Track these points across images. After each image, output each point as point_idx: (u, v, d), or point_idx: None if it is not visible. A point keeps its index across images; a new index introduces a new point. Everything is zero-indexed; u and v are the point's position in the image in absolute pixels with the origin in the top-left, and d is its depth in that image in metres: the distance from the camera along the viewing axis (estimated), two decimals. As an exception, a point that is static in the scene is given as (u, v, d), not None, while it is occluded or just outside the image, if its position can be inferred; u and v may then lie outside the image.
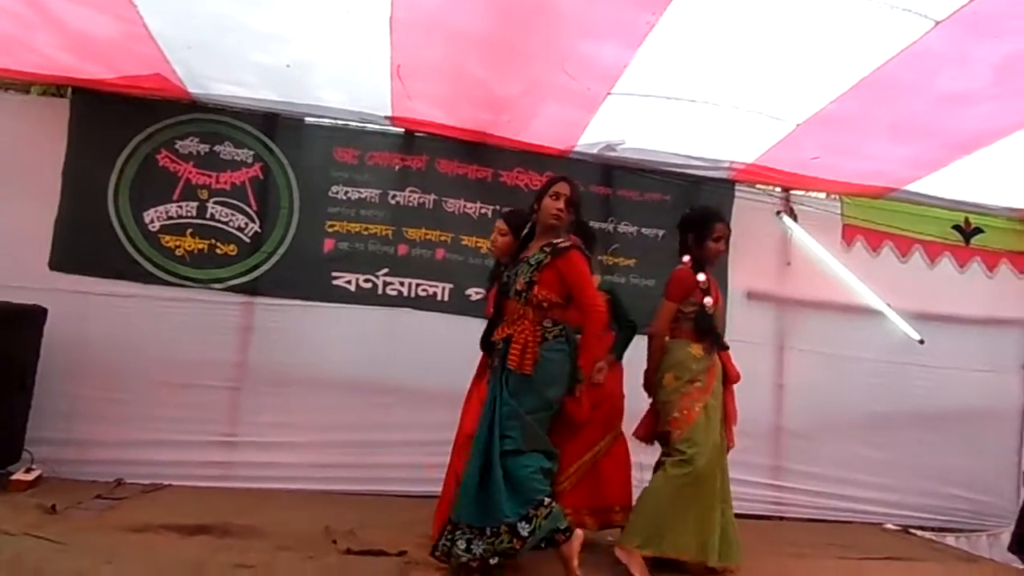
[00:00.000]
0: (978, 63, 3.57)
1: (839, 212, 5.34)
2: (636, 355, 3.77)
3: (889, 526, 4.97)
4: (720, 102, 4.12)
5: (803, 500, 5.08)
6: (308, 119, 4.71)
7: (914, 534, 4.81)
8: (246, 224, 4.62)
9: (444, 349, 4.47)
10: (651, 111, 4.24)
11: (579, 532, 3.02)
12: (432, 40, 3.67)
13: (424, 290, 4.79)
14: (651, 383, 3.60)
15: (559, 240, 3.24)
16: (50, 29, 3.81)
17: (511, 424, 3.07)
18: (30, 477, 3.97)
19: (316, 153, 4.71)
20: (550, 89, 4.01)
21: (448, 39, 3.67)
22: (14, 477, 3.94)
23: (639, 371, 3.69)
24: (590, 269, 3.23)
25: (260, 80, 4.26)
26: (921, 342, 5.20)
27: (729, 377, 3.61)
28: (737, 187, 5.19)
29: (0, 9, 3.67)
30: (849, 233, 5.33)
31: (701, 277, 3.51)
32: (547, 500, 3.01)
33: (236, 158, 4.64)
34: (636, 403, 3.73)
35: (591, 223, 4.15)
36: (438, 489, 3.57)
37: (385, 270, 4.74)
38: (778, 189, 5.31)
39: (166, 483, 4.29)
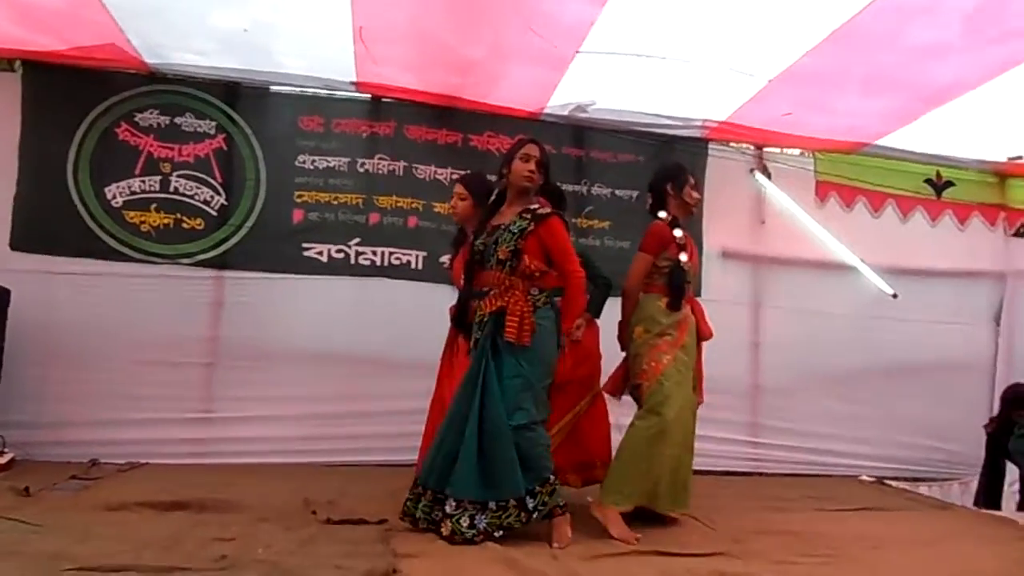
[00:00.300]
0: (947, 12, 3.55)
1: (812, 168, 5.34)
2: (612, 314, 3.73)
3: (864, 478, 5.04)
4: (690, 59, 4.07)
5: (780, 455, 5.14)
6: (271, 87, 4.59)
7: (888, 485, 4.89)
8: (212, 197, 4.53)
9: (420, 317, 4.41)
10: (621, 70, 4.19)
11: (568, 516, 3.11)
12: (393, 0, 3.58)
13: (397, 259, 4.74)
14: (624, 337, 3.58)
15: (536, 206, 3.20)
16: (-7, -1, 3.67)
17: (525, 396, 3.08)
18: (2, 460, 3.92)
19: (281, 122, 4.61)
20: (517, 49, 3.94)
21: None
22: (-14, 461, 3.88)
23: (615, 330, 3.67)
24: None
25: (218, 47, 4.14)
26: (895, 296, 5.24)
27: (701, 334, 3.61)
28: (710, 146, 5.16)
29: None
30: (823, 189, 5.33)
31: (678, 233, 3.48)
32: (552, 477, 3.10)
33: (198, 130, 4.52)
34: (613, 362, 3.72)
35: (563, 185, 4.12)
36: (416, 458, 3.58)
37: (357, 239, 4.68)
38: (751, 147, 5.29)
39: (142, 462, 4.24)
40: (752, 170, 5.24)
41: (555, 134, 4.84)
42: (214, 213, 4.53)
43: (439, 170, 4.80)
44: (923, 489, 4.94)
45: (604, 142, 5.00)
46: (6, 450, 3.98)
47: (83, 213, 4.37)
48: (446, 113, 4.77)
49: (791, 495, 4.40)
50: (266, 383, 4.53)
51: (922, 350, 5.31)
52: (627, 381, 3.56)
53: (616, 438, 3.71)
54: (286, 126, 4.62)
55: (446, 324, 3.74)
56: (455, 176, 4.77)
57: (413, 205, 4.76)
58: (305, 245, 4.63)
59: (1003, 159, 5.28)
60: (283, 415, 4.50)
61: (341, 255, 4.67)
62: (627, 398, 3.62)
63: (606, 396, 3.74)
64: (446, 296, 4.02)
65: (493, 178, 4.32)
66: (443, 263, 4.72)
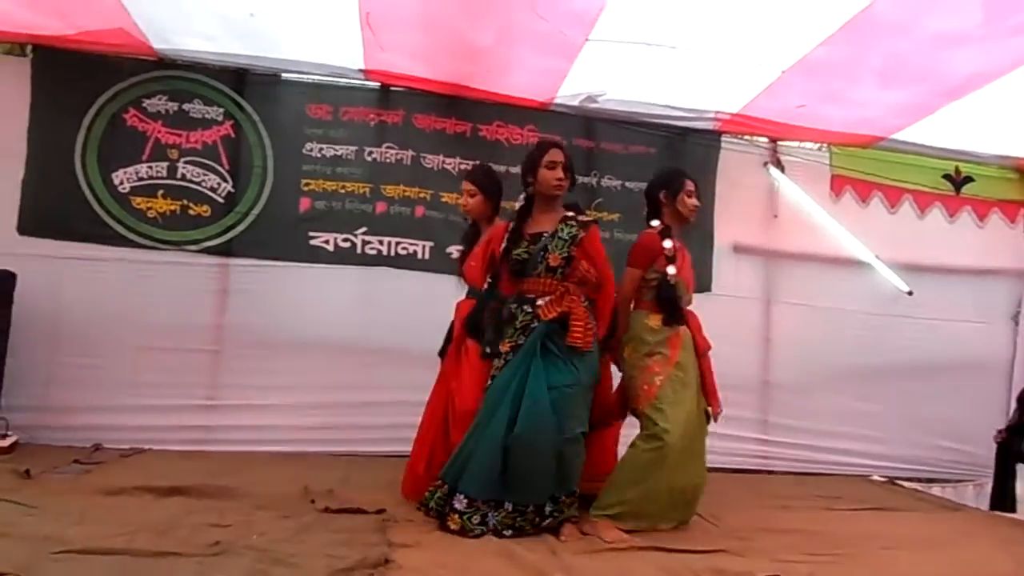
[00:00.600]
0: (967, 0, 3.45)
1: (828, 163, 5.23)
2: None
3: (876, 478, 4.95)
4: (702, 48, 3.99)
5: (790, 453, 5.06)
6: (279, 74, 4.56)
7: (900, 485, 4.79)
8: (219, 184, 4.51)
9: (425, 308, 4.37)
10: (631, 59, 4.12)
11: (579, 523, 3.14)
12: (400, -15, 3.55)
13: (404, 248, 4.70)
14: (618, 356, 3.46)
15: (574, 212, 3.30)
16: (2, -18, 3.68)
17: (581, 405, 3.13)
18: (5, 443, 3.93)
19: (288, 109, 4.58)
20: (525, 36, 3.87)
21: (417, -16, 3.54)
22: (-11, 444, 3.90)
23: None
24: None
25: (226, 33, 4.11)
26: (910, 293, 5.13)
27: (698, 347, 3.45)
28: (723, 138, 5.07)
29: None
30: (838, 184, 5.22)
31: (668, 244, 3.35)
32: (577, 490, 3.16)
33: (206, 116, 4.50)
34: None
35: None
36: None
37: (363, 229, 4.64)
38: (765, 140, 5.19)
39: (145, 447, 4.25)
40: (766, 163, 5.15)
41: (565, 125, 4.78)
42: (221, 200, 4.51)
43: (447, 160, 4.75)
44: (936, 490, 4.85)
45: (615, 134, 4.93)
46: (10, 433, 3.99)
47: (90, 198, 4.36)
48: (455, 102, 4.72)
49: (799, 493, 4.33)
50: (270, 371, 4.51)
51: (938, 349, 5.20)
52: (626, 403, 3.42)
53: (621, 451, 3.66)
54: (294, 114, 4.59)
55: (451, 316, 3.72)
56: (463, 166, 4.75)
57: (420, 195, 4.72)
58: (311, 234, 4.60)
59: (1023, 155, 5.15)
60: (287, 404, 4.49)
61: (347, 244, 4.64)
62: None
63: None
64: (452, 287, 3.98)
65: (502, 169, 4.35)
66: (450, 254, 4.69)
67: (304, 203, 4.59)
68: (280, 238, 4.55)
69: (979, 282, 5.31)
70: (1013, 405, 4.78)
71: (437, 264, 4.68)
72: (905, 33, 3.74)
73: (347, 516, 3.19)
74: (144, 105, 4.43)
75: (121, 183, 4.41)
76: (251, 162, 4.55)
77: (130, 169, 4.42)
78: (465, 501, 3.03)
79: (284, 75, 4.57)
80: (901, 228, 5.25)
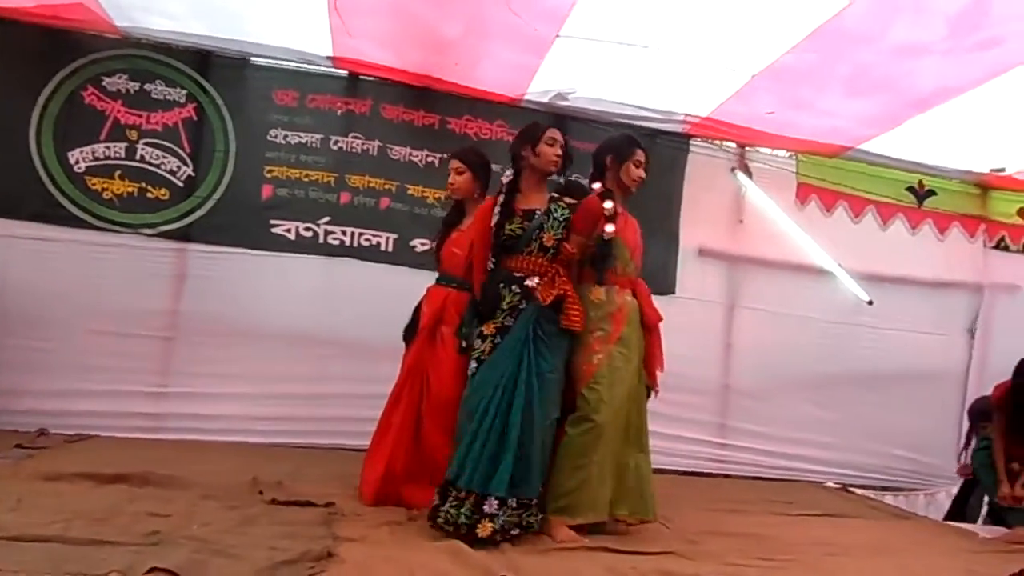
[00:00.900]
0: (932, 13, 3.49)
1: (794, 170, 5.27)
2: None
3: (829, 484, 5.00)
4: (673, 49, 3.98)
5: (747, 458, 5.09)
6: (244, 58, 4.47)
7: (853, 492, 4.85)
8: (179, 167, 4.42)
9: (387, 301, 4.25)
10: (602, 57, 4.11)
11: None
12: (368, -29, 3.50)
13: (367, 240, 4.64)
14: None
15: (560, 195, 3.26)
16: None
17: (557, 390, 3.07)
18: (-54, 426, 3.82)
19: (253, 94, 4.50)
20: (495, 29, 3.84)
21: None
22: (-71, 426, 3.78)
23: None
24: None
25: (189, 12, 4.03)
26: (870, 303, 5.19)
27: (647, 319, 3.30)
28: (692, 142, 5.09)
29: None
30: (804, 192, 5.27)
31: (608, 204, 3.14)
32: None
33: (168, 97, 4.41)
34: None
35: None
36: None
37: (326, 218, 4.58)
38: (733, 145, 5.21)
39: (92, 434, 4.15)
40: (733, 169, 5.17)
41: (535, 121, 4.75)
42: (180, 184, 4.42)
43: (414, 152, 4.70)
44: (888, 499, 4.90)
45: (585, 132, 4.86)
46: (-49, 416, 3.88)
47: (44, 177, 4.24)
48: (424, 94, 4.67)
49: (752, 498, 4.35)
50: (225, 360, 4.43)
51: (895, 359, 5.26)
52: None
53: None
54: (259, 99, 4.51)
55: (412, 308, 3.67)
56: (430, 159, 4.70)
57: (386, 186, 4.66)
58: (273, 221, 4.52)
59: (986, 170, 5.23)
60: (241, 393, 4.41)
61: (309, 233, 4.57)
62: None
63: None
64: (415, 280, 3.94)
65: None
66: (414, 247, 4.65)
67: (266, 190, 4.51)
68: (240, 225, 4.47)
69: (938, 294, 5.38)
70: (966, 421, 4.82)
71: (401, 257, 4.63)
72: (871, 43, 3.77)
73: (294, 509, 3.13)
74: (104, 83, 4.33)
75: (77, 163, 4.30)
76: (213, 146, 4.46)
77: (87, 149, 4.31)
78: (496, 503, 2.90)
79: (250, 59, 4.49)
80: (864, 238, 5.30)
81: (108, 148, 4.34)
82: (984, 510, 4.61)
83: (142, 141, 4.37)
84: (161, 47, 4.38)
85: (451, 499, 2.92)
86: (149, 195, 4.38)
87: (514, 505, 2.92)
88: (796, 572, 2.91)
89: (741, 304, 5.15)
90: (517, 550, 2.84)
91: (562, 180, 3.71)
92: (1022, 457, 3.96)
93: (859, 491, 4.90)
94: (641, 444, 3.26)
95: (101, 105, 4.33)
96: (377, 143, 4.65)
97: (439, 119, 4.73)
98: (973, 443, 4.46)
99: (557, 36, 3.88)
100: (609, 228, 3.17)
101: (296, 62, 4.50)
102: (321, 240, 4.58)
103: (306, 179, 4.56)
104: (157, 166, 4.39)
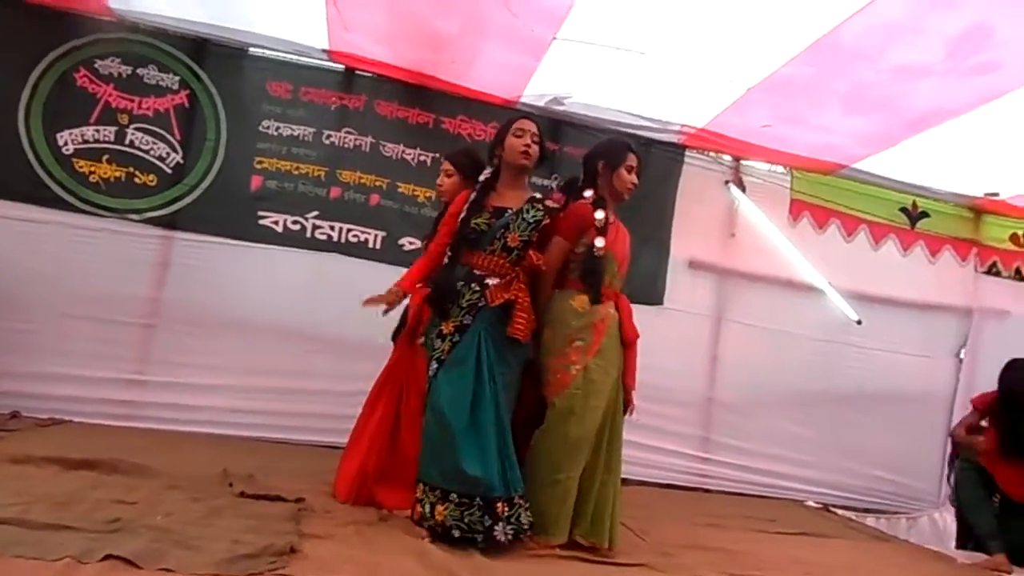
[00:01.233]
0: (931, 34, 3.47)
1: (788, 186, 5.24)
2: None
3: (810, 503, 4.96)
4: (670, 57, 3.96)
5: (729, 473, 5.04)
6: (240, 47, 4.45)
7: (834, 512, 4.81)
8: (168, 154, 4.38)
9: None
10: (599, 62, 4.10)
11: None
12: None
13: (355, 236, 4.60)
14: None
15: (539, 195, 3.19)
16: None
17: (514, 395, 3.02)
18: (-84, 404, 3.76)
19: (247, 84, 4.47)
20: (493, 28, 3.82)
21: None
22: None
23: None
24: None
25: (187, -2, 4.01)
26: (859, 322, 5.17)
27: (626, 335, 3.18)
28: (687, 153, 5.06)
29: None
30: (797, 208, 5.24)
31: (600, 215, 3.09)
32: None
33: (161, 83, 4.37)
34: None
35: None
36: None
37: (315, 212, 4.54)
38: (728, 158, 5.19)
39: (66, 418, 4.09)
40: (727, 182, 5.15)
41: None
42: (169, 171, 4.38)
43: (407, 150, 4.67)
44: (870, 520, 4.85)
45: (580, 138, 4.86)
46: (-78, 394, 3.83)
47: (31, 157, 4.20)
48: (419, 92, 4.64)
49: (732, 513, 4.30)
50: (206, 351, 4.38)
51: (882, 379, 5.22)
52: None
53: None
54: (253, 89, 4.47)
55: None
56: (423, 157, 4.67)
57: (377, 183, 4.62)
58: (261, 213, 4.48)
59: (980, 194, 5.21)
60: (220, 385, 4.35)
61: (297, 227, 4.53)
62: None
63: None
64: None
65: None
66: (403, 245, 4.61)
67: (256, 181, 4.48)
68: (228, 215, 4.43)
69: (927, 316, 5.35)
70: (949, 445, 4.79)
71: (389, 254, 4.58)
72: (870, 61, 3.76)
73: (263, 503, 3.07)
74: (96, 66, 4.29)
75: (65, 144, 4.26)
76: (204, 134, 4.42)
77: (76, 131, 4.27)
78: (513, 502, 2.87)
79: (245, 48, 4.46)
80: (855, 257, 5.27)
81: (98, 131, 4.30)
82: None
83: (132, 126, 4.34)
84: (156, 32, 4.35)
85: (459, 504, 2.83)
86: (136, 180, 4.34)
87: (455, 501, 2.83)
88: (768, 589, 2.87)
89: (729, 318, 5.11)
90: (484, 554, 2.79)
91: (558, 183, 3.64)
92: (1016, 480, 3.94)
93: (840, 511, 4.86)
94: (610, 465, 3.10)
95: (93, 88, 4.29)
96: (370, 139, 4.62)
97: (433, 118, 4.70)
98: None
99: (554, 39, 3.86)
100: (599, 243, 3.09)
101: (291, 54, 4.47)
102: (309, 234, 4.54)
103: (296, 172, 4.52)
104: (146, 152, 4.35)
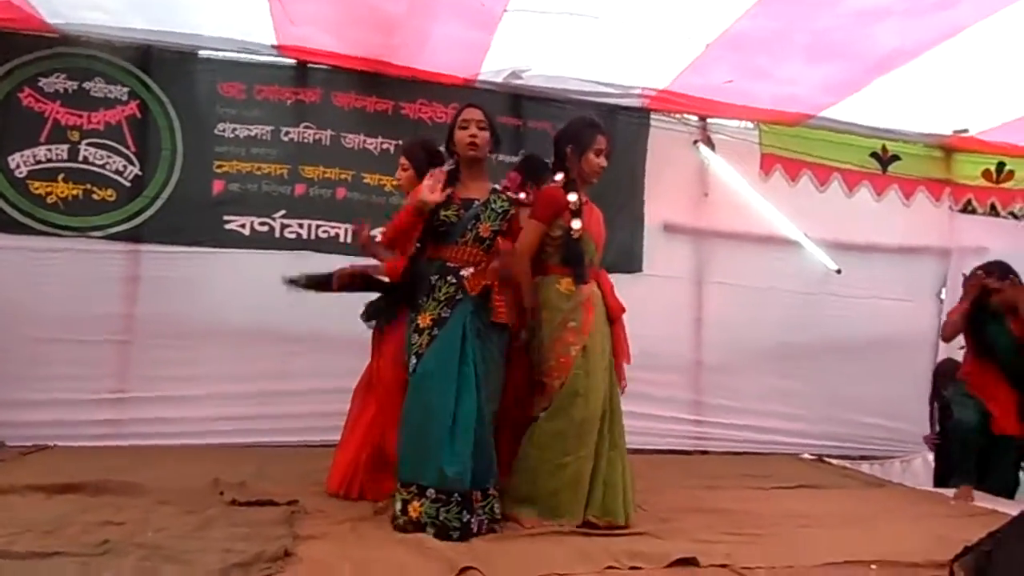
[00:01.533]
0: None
1: (757, 141, 5.21)
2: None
3: (805, 456, 4.98)
4: (624, 19, 3.89)
5: (723, 433, 5.06)
6: (186, 51, 4.35)
7: (828, 463, 4.83)
8: (124, 167, 4.29)
9: (348, 295, 4.22)
10: (554, 32, 4.04)
11: None
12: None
13: (325, 232, 4.54)
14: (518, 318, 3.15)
15: (518, 171, 3.22)
16: None
17: (496, 385, 2.99)
18: None
19: (198, 88, 4.38)
20: (441, 4, 3.75)
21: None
22: None
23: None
24: None
25: (126, 6, 3.90)
26: (838, 272, 5.18)
27: (611, 310, 3.18)
28: (652, 116, 5.02)
29: None
30: (768, 162, 5.20)
31: (572, 197, 3.08)
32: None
33: (109, 95, 4.28)
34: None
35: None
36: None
37: (282, 212, 4.48)
38: (695, 118, 5.14)
39: (50, 444, 4.04)
40: (696, 142, 5.12)
41: (491, 102, 4.55)
42: (127, 184, 4.30)
43: (368, 139, 4.60)
44: (864, 467, 4.88)
45: (542, 111, 4.82)
46: (-100, 433, 3.75)
47: (-16, 183, 4.11)
48: (375, 79, 4.57)
49: (728, 472, 4.32)
50: (185, 362, 4.33)
51: (865, 326, 5.24)
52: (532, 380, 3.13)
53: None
54: (204, 92, 4.39)
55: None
56: (385, 146, 4.61)
57: (341, 176, 4.56)
58: (226, 217, 4.41)
59: (949, 132, 5.21)
60: (203, 395, 4.31)
61: (265, 228, 4.46)
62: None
63: None
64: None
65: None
66: (374, 237, 4.53)
67: (217, 186, 4.40)
68: (193, 222, 4.36)
69: (905, 260, 5.37)
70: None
71: (360, 248, 4.51)
72: (828, 7, 3.72)
73: (256, 509, 3.04)
74: (40, 84, 4.19)
75: (18, 167, 4.17)
76: (159, 143, 4.34)
77: (27, 152, 4.18)
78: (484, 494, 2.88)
79: (192, 52, 4.36)
80: (830, 206, 5.26)
81: (50, 150, 4.21)
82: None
83: (84, 142, 4.25)
84: (98, 44, 4.25)
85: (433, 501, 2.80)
86: (95, 197, 4.25)
87: (480, 499, 2.86)
88: (767, 546, 2.86)
89: (709, 279, 5.11)
90: (483, 540, 2.78)
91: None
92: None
93: (835, 461, 4.89)
94: (614, 440, 3.10)
95: (39, 106, 4.20)
96: (330, 132, 4.55)
97: (392, 105, 4.63)
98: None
99: (505, 11, 3.79)
100: (576, 224, 3.08)
101: (241, 52, 4.38)
102: (278, 234, 4.48)
103: (258, 172, 4.45)
104: (102, 167, 4.27)
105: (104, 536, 2.57)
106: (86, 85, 4.25)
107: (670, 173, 5.02)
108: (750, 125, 5.24)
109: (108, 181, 4.27)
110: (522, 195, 3.19)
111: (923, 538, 2.95)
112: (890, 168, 5.38)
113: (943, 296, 5.41)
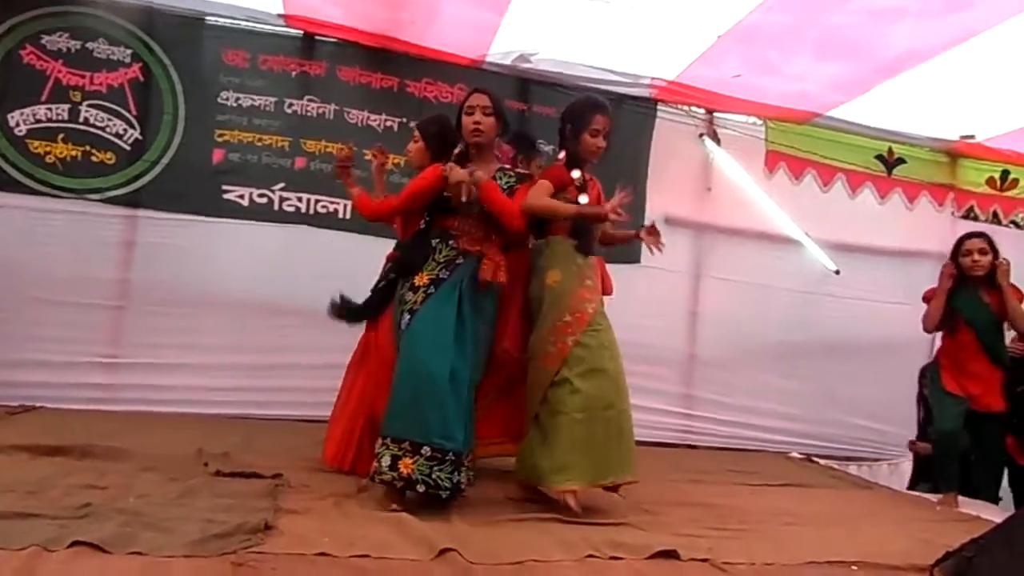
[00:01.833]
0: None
1: (763, 137, 5.18)
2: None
3: (794, 455, 4.98)
4: (636, 4, 3.85)
5: (712, 428, 5.07)
6: (191, 16, 4.31)
7: (816, 462, 4.83)
8: (125, 130, 4.26)
9: (345, 269, 4.15)
10: (564, 15, 4.02)
11: None
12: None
13: (324, 207, 4.52)
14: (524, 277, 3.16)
15: (506, 167, 3.18)
16: None
17: (485, 349, 3.01)
18: None
19: (203, 55, 4.34)
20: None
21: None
22: None
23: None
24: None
25: (132, -34, 3.85)
26: (837, 272, 5.16)
27: (604, 288, 3.27)
28: (659, 107, 4.98)
29: None
30: (772, 159, 5.17)
31: (576, 174, 3.11)
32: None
33: (112, 57, 4.23)
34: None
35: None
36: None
37: (281, 184, 4.45)
38: (702, 111, 5.11)
39: (38, 405, 4.02)
40: (701, 135, 5.08)
41: (497, 85, 4.53)
42: (127, 147, 4.26)
43: (372, 116, 4.57)
44: (852, 468, 4.88)
45: (549, 97, 4.78)
46: None
47: (-17, 140, 4.08)
48: (382, 56, 4.53)
49: (715, 468, 4.31)
50: (179, 330, 4.32)
51: (862, 328, 5.23)
52: (530, 332, 3.13)
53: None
54: (208, 59, 4.35)
55: (371, 277, 3.55)
56: (388, 123, 4.58)
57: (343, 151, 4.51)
58: (225, 187, 4.38)
59: (955, 138, 5.18)
60: (193, 364, 4.30)
61: (264, 200, 4.43)
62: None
63: None
64: (374, 248, 3.82)
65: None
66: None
67: (217, 155, 4.37)
68: (191, 190, 4.33)
69: (905, 263, 5.34)
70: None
71: (359, 224, 4.44)
72: (841, 3, 3.68)
73: (240, 480, 3.03)
74: (43, 42, 4.14)
75: (17, 125, 4.13)
76: (161, 108, 4.30)
77: (27, 110, 4.14)
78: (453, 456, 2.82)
79: (198, 17, 4.32)
80: (832, 207, 5.24)
81: (50, 110, 4.17)
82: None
83: (86, 103, 4.21)
84: (103, 4, 4.20)
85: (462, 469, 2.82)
86: (94, 159, 4.22)
87: (427, 454, 2.78)
88: (749, 542, 2.85)
89: (707, 273, 5.10)
90: (465, 521, 2.76)
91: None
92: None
93: (823, 461, 4.89)
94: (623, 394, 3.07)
95: (41, 64, 4.15)
96: (333, 106, 4.52)
97: (398, 82, 4.59)
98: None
99: (515, -9, 3.75)
100: (583, 199, 3.08)
101: (246, 21, 4.33)
102: (276, 207, 4.46)
103: (259, 143, 4.42)
104: (102, 129, 4.23)
105: (86, 500, 2.56)
106: (89, 45, 4.20)
107: (674, 165, 5.00)
108: (757, 121, 5.21)
109: (108, 144, 4.24)
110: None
111: (906, 541, 2.95)
112: (895, 171, 5.36)
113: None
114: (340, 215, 4.52)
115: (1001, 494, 4.12)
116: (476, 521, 2.80)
